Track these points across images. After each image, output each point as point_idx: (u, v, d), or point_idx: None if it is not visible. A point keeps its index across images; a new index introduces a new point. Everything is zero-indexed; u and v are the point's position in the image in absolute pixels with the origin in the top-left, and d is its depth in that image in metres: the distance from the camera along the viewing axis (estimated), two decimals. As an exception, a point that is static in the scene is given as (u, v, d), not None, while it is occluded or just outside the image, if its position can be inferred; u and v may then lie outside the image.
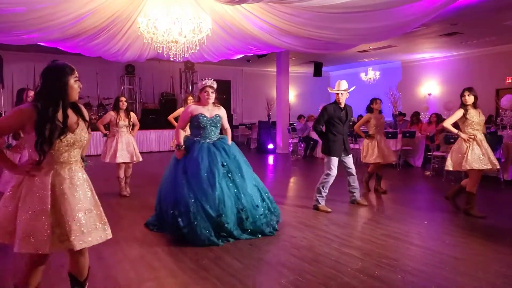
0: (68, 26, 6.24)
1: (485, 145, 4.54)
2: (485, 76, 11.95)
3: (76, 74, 2.19)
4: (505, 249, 3.52)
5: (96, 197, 2.25)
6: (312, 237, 3.91)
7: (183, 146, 3.97)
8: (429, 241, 3.75)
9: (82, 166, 2.29)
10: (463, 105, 4.58)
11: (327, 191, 4.95)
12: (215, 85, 4.14)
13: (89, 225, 2.13)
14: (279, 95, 12.16)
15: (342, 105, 4.94)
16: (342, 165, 5.02)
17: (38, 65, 12.75)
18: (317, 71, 14.06)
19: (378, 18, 5.75)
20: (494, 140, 6.46)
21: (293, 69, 14.99)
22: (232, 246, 3.64)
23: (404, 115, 11.26)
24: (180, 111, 6.55)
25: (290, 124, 12.15)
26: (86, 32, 6.77)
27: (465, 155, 4.46)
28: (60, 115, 2.09)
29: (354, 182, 5.12)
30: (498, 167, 4.63)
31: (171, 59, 6.73)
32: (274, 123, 12.84)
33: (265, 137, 12.35)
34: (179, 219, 3.63)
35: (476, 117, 4.54)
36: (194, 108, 4.04)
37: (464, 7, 7.22)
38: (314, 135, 10.57)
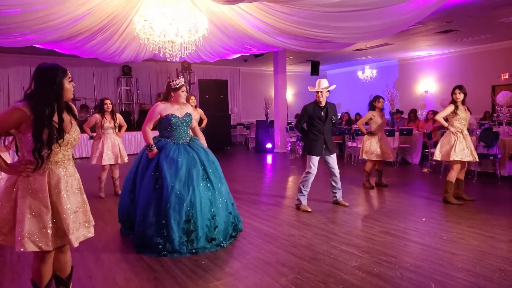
0: (64, 27, 6.23)
1: (469, 139, 4.99)
2: (481, 73, 12.00)
3: (69, 74, 2.20)
4: (502, 244, 3.55)
5: (84, 195, 2.31)
6: (311, 235, 3.92)
7: (154, 146, 3.68)
8: (427, 238, 3.77)
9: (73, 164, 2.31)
10: (454, 102, 4.96)
11: (308, 189, 4.94)
12: None
13: (78, 222, 2.22)
14: (277, 94, 12.18)
15: (323, 104, 4.84)
16: (325, 165, 4.99)
17: (34, 68, 12.68)
18: (314, 70, 14.08)
19: (373, 16, 5.77)
20: (490, 136, 6.51)
21: (290, 68, 15.01)
22: (231, 246, 3.65)
23: (402, 112, 11.27)
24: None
25: (288, 123, 12.17)
26: (83, 33, 6.76)
27: (453, 147, 4.91)
28: (55, 118, 2.08)
29: (337, 183, 5.06)
30: (477, 159, 5.14)
31: (168, 60, 6.73)
32: (272, 122, 12.85)
33: (263, 136, 12.36)
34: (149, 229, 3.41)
35: (463, 113, 4.96)
36: (163, 107, 3.74)
37: (459, 5, 7.25)
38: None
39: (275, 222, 4.45)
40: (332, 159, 4.96)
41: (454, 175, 5.01)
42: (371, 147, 6.13)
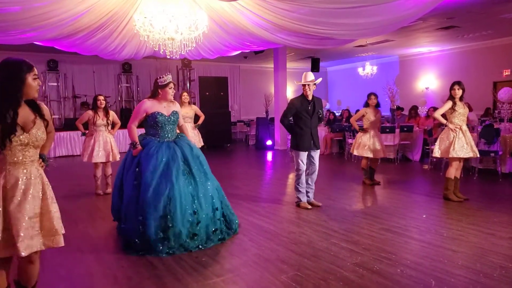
0: (64, 24, 6.21)
1: (468, 135, 4.97)
2: (482, 69, 11.96)
3: (35, 71, 2.08)
4: (502, 241, 3.54)
5: (50, 200, 2.13)
6: (311, 232, 3.92)
7: (138, 143, 3.63)
8: (427, 235, 3.77)
9: (42, 166, 2.18)
10: (452, 98, 4.93)
11: (304, 186, 4.89)
12: None
13: (34, 231, 2.02)
14: (277, 91, 12.15)
15: (310, 98, 4.76)
16: (308, 160, 4.86)
17: (35, 65, 12.68)
18: (315, 67, 14.03)
19: (374, 13, 5.75)
20: (491, 133, 6.49)
21: (291, 65, 14.96)
22: (231, 243, 3.65)
23: (402, 109, 11.25)
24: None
25: (289, 121, 12.15)
26: (83, 30, 6.74)
27: (452, 144, 4.88)
28: (11, 114, 1.96)
29: (313, 182, 4.95)
30: (478, 155, 5.12)
31: (168, 57, 6.71)
32: (272, 119, 12.84)
33: (264, 133, 12.35)
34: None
35: (461, 109, 4.92)
36: (150, 105, 3.66)
37: (460, 1, 7.21)
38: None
39: (275, 219, 4.46)
40: (317, 155, 4.89)
41: (453, 171, 5.00)
42: (361, 143, 6.13)
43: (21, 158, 2.02)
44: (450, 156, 4.92)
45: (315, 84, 4.79)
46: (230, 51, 9.16)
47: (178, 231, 3.35)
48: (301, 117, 4.79)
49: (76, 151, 10.66)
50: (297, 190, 4.93)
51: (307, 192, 4.97)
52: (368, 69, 14.39)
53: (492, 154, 6.54)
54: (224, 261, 3.21)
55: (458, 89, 4.88)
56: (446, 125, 4.99)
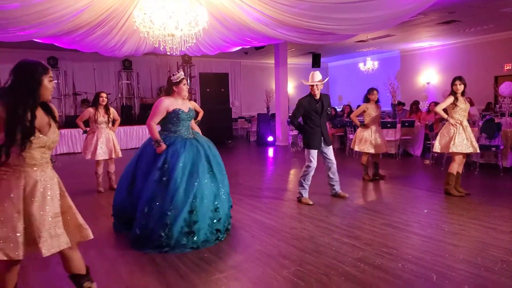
0: (64, 21, 6.20)
1: (469, 130, 4.95)
2: (483, 63, 11.92)
3: (51, 74, 2.09)
4: (503, 235, 3.55)
5: (68, 198, 2.19)
6: (313, 228, 3.93)
7: (162, 141, 3.63)
8: (428, 229, 3.78)
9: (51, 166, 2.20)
10: (454, 93, 4.90)
11: (309, 183, 4.93)
12: None
13: (59, 230, 2.06)
14: (278, 87, 12.13)
15: (318, 97, 4.82)
16: (322, 156, 4.96)
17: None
18: (316, 62, 13.99)
19: (375, 7, 5.72)
20: (492, 127, 6.48)
21: (292, 61, 14.93)
22: (233, 239, 3.66)
23: (403, 104, 11.23)
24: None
25: (290, 116, 12.13)
26: (82, 27, 6.73)
27: (453, 139, 4.87)
28: (28, 116, 1.97)
29: (334, 174, 5.04)
30: (478, 151, 5.09)
31: (168, 53, 6.69)
32: (273, 115, 12.82)
33: (265, 129, 12.34)
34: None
35: (463, 104, 4.90)
36: (169, 103, 3.69)
37: (461, -5, 7.17)
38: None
39: (276, 215, 4.47)
40: (330, 151, 4.96)
41: (455, 167, 4.98)
42: (363, 139, 6.12)
43: (39, 159, 2.05)
44: (450, 151, 4.92)
45: (322, 83, 4.82)
46: (230, 47, 9.14)
47: (203, 226, 3.46)
48: (310, 116, 4.84)
49: (77, 149, 10.66)
50: (300, 185, 4.95)
51: (332, 185, 5.10)
52: (369, 64, 14.34)
53: (493, 149, 6.54)
54: (227, 257, 3.22)
55: (459, 84, 4.85)
56: (447, 120, 4.98)
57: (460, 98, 4.88)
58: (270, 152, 10.60)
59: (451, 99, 4.88)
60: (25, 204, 1.98)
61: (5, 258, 1.92)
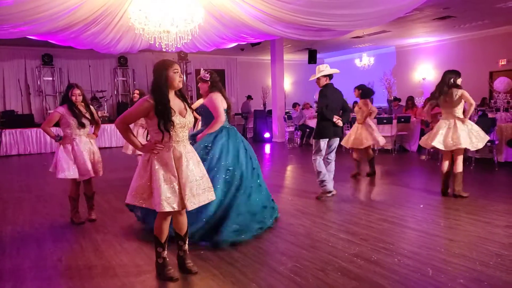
0: (58, 18, 6.14)
1: (462, 127, 4.67)
2: (478, 59, 11.96)
3: (175, 66, 2.62)
4: (498, 229, 3.58)
5: (202, 166, 2.76)
6: (309, 224, 3.94)
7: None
8: (424, 224, 3.80)
9: (190, 142, 2.82)
10: (460, 87, 4.63)
11: (325, 172, 4.83)
12: None
13: (199, 190, 2.65)
14: (274, 83, 12.12)
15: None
16: (328, 147, 4.88)
17: (29, 60, 12.61)
18: (312, 58, 13.99)
19: (370, 3, 5.71)
20: (487, 122, 6.52)
21: (288, 57, 14.90)
22: (230, 235, 3.66)
23: (399, 100, 11.26)
24: (199, 102, 6.39)
25: (286, 113, 12.13)
26: (77, 23, 6.67)
27: (435, 134, 4.65)
28: (173, 103, 2.58)
29: (330, 172, 4.95)
30: (472, 149, 4.73)
31: (164, 50, 6.67)
32: (270, 111, 12.82)
33: (261, 126, 12.34)
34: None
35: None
36: (221, 99, 3.82)
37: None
38: (311, 123, 10.58)
39: (273, 211, 4.46)
40: (335, 143, 4.93)
41: (461, 165, 4.65)
42: (349, 135, 6.21)
43: (181, 137, 2.63)
44: (423, 144, 4.87)
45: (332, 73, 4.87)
46: (226, 43, 9.11)
47: (258, 216, 3.72)
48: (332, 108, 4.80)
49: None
50: (321, 183, 4.84)
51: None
52: (365, 61, 14.35)
53: (489, 144, 6.57)
54: (223, 254, 3.23)
55: (460, 80, 4.65)
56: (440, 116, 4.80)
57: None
58: (267, 148, 10.61)
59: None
60: (177, 170, 2.57)
61: (172, 210, 2.54)
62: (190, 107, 2.73)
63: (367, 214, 4.21)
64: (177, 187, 2.56)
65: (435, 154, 7.48)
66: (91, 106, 4.31)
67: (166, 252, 2.77)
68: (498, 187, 5.32)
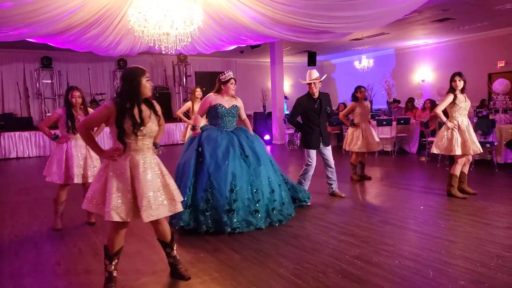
0: (57, 20, 6.14)
1: (470, 130, 4.72)
2: (477, 61, 11.98)
3: (147, 74, 2.57)
4: (498, 231, 3.57)
5: (167, 177, 2.64)
6: (310, 226, 3.93)
7: (198, 127, 4.08)
8: (424, 226, 3.80)
9: (155, 152, 2.71)
10: (453, 90, 4.64)
11: (308, 182, 4.91)
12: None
13: (157, 202, 2.53)
14: (274, 85, 12.13)
15: (316, 95, 4.73)
16: (321, 157, 4.92)
17: (28, 62, 12.60)
18: (311, 61, 14.01)
19: (369, 5, 5.72)
20: (487, 124, 6.52)
21: (287, 59, 14.92)
22: (230, 238, 3.65)
23: (399, 102, 11.28)
24: (187, 105, 6.51)
25: (286, 115, 12.12)
26: (76, 26, 6.67)
27: (454, 141, 4.62)
28: (136, 111, 2.48)
29: (332, 174, 5.01)
30: (481, 151, 4.87)
31: (163, 52, 6.67)
32: (270, 114, 12.82)
33: (261, 128, 12.34)
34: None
35: (463, 102, 4.65)
36: (213, 98, 4.13)
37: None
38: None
39: (273, 213, 4.45)
40: (328, 151, 4.92)
41: (458, 168, 4.75)
42: (353, 138, 6.03)
43: (140, 145, 2.54)
44: (452, 154, 4.69)
45: (320, 81, 4.75)
46: (226, 46, 9.11)
47: (242, 205, 3.74)
48: (309, 116, 4.78)
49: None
50: (299, 183, 4.90)
51: (330, 184, 5.09)
52: (364, 63, 14.38)
53: (488, 145, 6.58)
54: (224, 256, 3.21)
55: (459, 81, 4.59)
56: (445, 123, 4.69)
57: (460, 96, 4.61)
58: (267, 150, 10.59)
59: (450, 97, 4.59)
60: (132, 180, 2.49)
61: (120, 220, 2.44)
62: (157, 115, 2.63)
63: (368, 216, 4.20)
64: (129, 197, 2.47)
65: (435, 156, 7.47)
66: (89, 109, 4.28)
67: (113, 267, 2.61)
68: (498, 188, 5.32)
